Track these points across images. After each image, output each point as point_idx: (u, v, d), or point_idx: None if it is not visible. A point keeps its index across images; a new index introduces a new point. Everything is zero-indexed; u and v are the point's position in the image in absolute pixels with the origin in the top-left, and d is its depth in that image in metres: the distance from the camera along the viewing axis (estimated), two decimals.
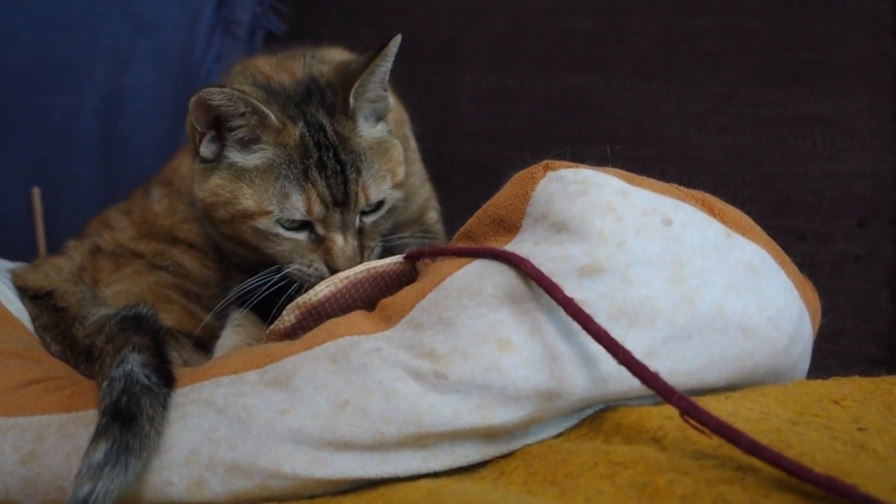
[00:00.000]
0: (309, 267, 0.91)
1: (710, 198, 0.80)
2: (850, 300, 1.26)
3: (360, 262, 0.91)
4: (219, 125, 0.90)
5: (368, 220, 0.95)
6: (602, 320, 0.68)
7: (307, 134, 0.90)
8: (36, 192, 1.46)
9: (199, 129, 0.90)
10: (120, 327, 0.75)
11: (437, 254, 0.80)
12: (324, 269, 0.91)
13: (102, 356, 0.73)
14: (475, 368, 0.67)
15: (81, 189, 1.47)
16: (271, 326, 0.83)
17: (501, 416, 0.66)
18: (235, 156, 0.90)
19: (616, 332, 0.67)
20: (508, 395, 0.66)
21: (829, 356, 1.19)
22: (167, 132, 1.47)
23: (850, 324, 1.25)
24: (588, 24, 1.38)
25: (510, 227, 0.77)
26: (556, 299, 0.66)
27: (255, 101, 0.87)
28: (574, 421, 0.71)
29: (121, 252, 1.06)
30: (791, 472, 0.52)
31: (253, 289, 0.92)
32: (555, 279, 0.70)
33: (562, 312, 0.67)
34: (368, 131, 0.95)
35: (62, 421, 0.70)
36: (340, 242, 0.91)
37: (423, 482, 0.66)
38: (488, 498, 0.60)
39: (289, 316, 0.81)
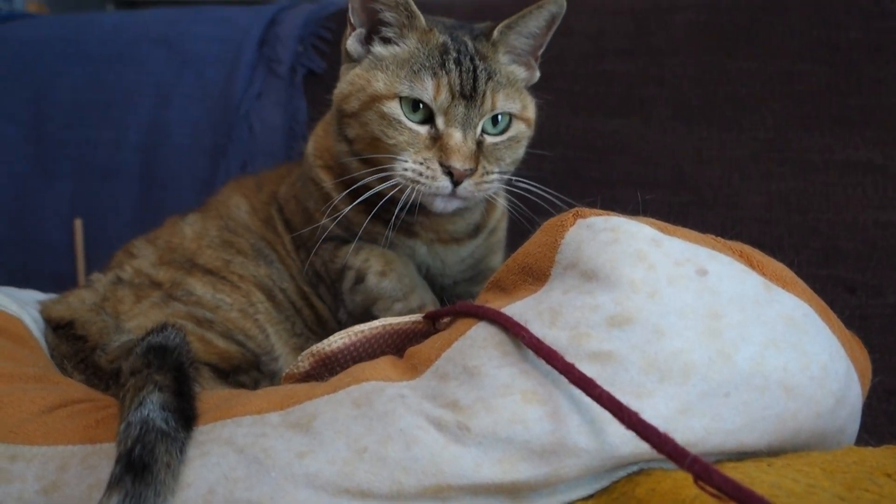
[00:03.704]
0: (422, 164, 0.91)
1: (748, 249, 0.76)
2: None
3: (474, 171, 0.92)
4: (371, 26, 0.97)
5: (490, 139, 0.96)
6: (632, 373, 0.65)
7: (450, 42, 0.95)
8: (78, 224, 1.49)
9: (352, 23, 0.96)
10: (144, 361, 0.74)
11: (449, 314, 0.79)
12: (436, 168, 0.91)
13: (125, 389, 0.72)
14: (498, 421, 0.64)
15: (121, 221, 1.49)
16: (286, 370, 0.83)
17: (525, 471, 0.63)
18: (378, 49, 0.97)
19: (648, 387, 0.65)
20: (532, 449, 0.63)
21: (882, 416, 1.12)
22: (206, 167, 1.49)
23: None
24: (626, 67, 1.37)
25: (539, 275, 0.75)
26: (556, 368, 0.64)
27: (412, 3, 0.94)
28: (605, 482, 0.67)
29: (140, 282, 1.07)
30: None
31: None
32: (583, 329, 0.67)
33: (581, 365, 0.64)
34: (506, 64, 1.00)
35: (86, 453, 0.69)
36: (458, 137, 0.91)
37: None
38: None
39: (303, 362, 0.81)
